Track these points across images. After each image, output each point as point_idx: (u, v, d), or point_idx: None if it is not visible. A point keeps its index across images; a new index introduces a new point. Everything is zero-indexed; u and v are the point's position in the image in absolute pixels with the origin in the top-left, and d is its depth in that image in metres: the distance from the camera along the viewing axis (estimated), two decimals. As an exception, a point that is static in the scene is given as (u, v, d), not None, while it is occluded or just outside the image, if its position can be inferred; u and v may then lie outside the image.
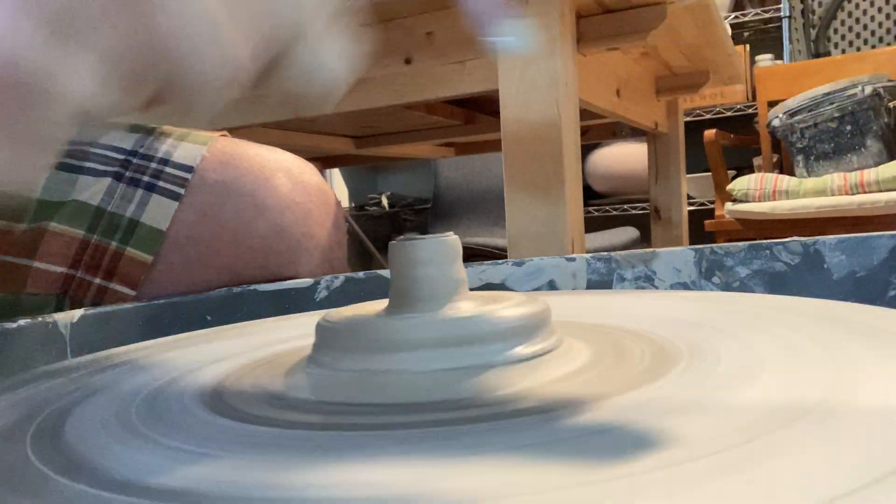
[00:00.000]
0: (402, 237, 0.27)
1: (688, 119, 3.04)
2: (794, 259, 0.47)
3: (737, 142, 2.70)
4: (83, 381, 0.30)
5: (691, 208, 2.69)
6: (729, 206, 2.17)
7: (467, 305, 0.26)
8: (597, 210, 3.22)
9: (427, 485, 0.16)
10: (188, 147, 0.57)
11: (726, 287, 0.49)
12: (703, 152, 2.47)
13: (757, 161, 2.76)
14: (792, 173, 2.27)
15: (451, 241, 0.27)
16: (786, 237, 0.48)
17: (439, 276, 0.26)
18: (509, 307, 0.25)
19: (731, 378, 0.23)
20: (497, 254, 2.08)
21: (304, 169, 0.67)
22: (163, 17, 0.18)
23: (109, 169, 0.55)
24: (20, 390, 0.29)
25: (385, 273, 0.55)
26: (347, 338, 0.25)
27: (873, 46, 3.16)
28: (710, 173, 2.56)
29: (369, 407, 0.23)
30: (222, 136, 0.61)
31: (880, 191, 1.93)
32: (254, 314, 0.53)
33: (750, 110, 3.10)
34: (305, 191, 0.60)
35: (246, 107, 1.17)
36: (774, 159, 2.66)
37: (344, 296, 0.55)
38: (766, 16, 3.23)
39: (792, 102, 2.25)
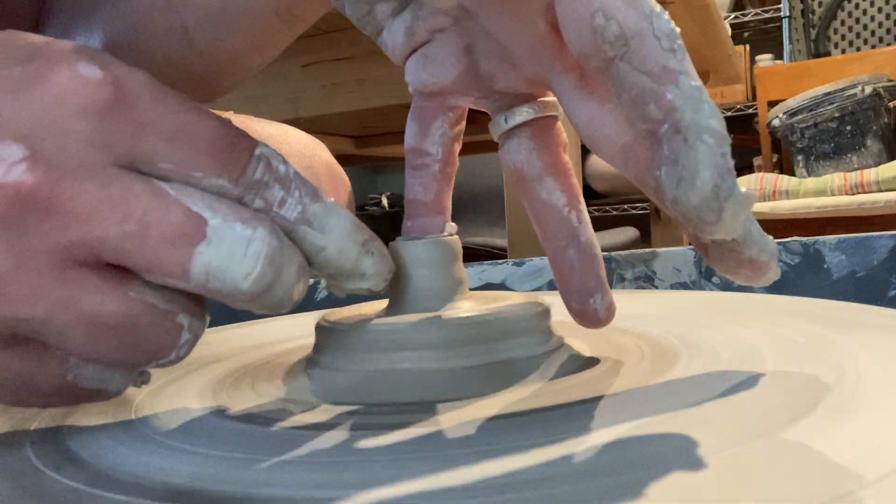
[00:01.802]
0: (402, 237, 0.27)
1: (688, 119, 3.02)
2: (794, 259, 0.47)
3: (737, 142, 2.69)
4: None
5: (691, 208, 2.68)
6: (729, 206, 2.17)
7: (467, 305, 0.26)
8: (597, 210, 3.22)
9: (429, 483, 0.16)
10: None
11: (726, 287, 0.49)
12: (704, 152, 2.46)
13: (757, 161, 2.76)
14: (792, 173, 2.27)
15: (451, 241, 0.27)
16: (786, 237, 0.48)
17: (439, 276, 0.26)
18: (509, 307, 0.25)
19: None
20: (497, 254, 2.07)
21: (312, 146, 0.67)
22: None
23: None
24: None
25: (385, 273, 0.55)
26: (347, 338, 0.25)
27: (873, 46, 3.15)
28: (710, 173, 2.55)
29: (369, 407, 0.23)
30: (229, 113, 0.61)
31: (880, 191, 1.93)
32: (253, 314, 0.53)
33: (750, 110, 3.10)
34: (315, 168, 0.60)
35: (246, 106, 1.17)
36: (774, 159, 2.66)
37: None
38: (766, 16, 3.22)
39: (792, 102, 2.25)
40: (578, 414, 0.20)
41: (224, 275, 0.19)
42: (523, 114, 0.27)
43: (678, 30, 0.20)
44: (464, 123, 0.29)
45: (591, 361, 0.26)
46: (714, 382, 0.22)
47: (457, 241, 0.27)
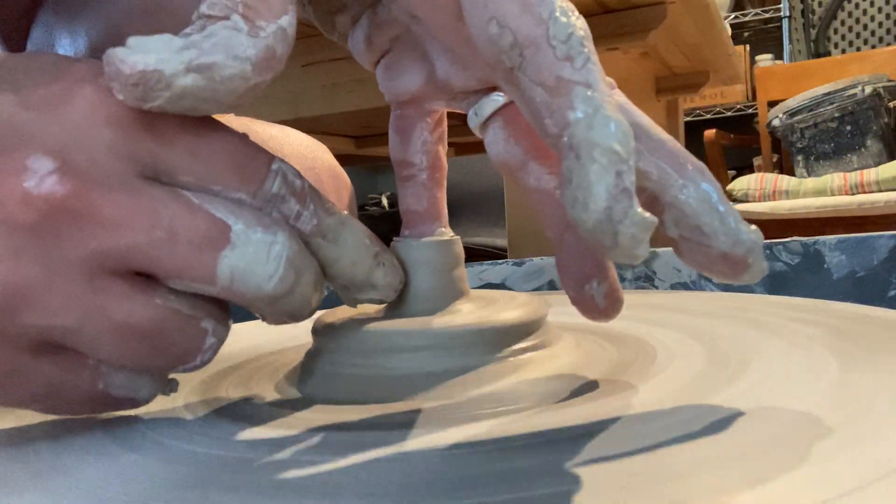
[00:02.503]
0: (400, 237, 0.27)
1: (688, 119, 3.04)
2: (794, 259, 0.47)
3: (737, 142, 2.69)
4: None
5: (691, 208, 2.68)
6: (729, 206, 2.17)
7: (466, 308, 0.26)
8: (597, 210, 3.21)
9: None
10: None
11: (727, 287, 0.49)
12: (704, 152, 2.47)
13: (757, 161, 2.76)
14: (792, 173, 2.27)
15: (451, 242, 0.27)
16: (786, 237, 0.48)
17: (439, 277, 0.26)
18: (509, 308, 0.25)
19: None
20: (497, 254, 2.07)
21: (314, 148, 0.67)
22: None
23: None
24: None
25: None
26: (342, 341, 0.25)
27: (873, 46, 3.16)
28: (710, 173, 2.55)
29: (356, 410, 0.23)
30: (229, 116, 0.61)
31: (880, 191, 1.93)
32: (253, 314, 0.53)
33: (750, 110, 3.10)
34: (317, 170, 0.60)
35: (246, 107, 1.17)
36: (774, 159, 2.66)
37: (344, 296, 0.55)
38: (766, 16, 3.23)
39: (792, 102, 2.25)
40: (515, 449, 0.18)
41: (248, 277, 0.20)
42: (491, 102, 0.26)
43: (583, 32, 0.19)
44: (445, 126, 0.28)
45: (585, 362, 0.25)
46: (675, 420, 0.19)
47: (458, 242, 0.27)
